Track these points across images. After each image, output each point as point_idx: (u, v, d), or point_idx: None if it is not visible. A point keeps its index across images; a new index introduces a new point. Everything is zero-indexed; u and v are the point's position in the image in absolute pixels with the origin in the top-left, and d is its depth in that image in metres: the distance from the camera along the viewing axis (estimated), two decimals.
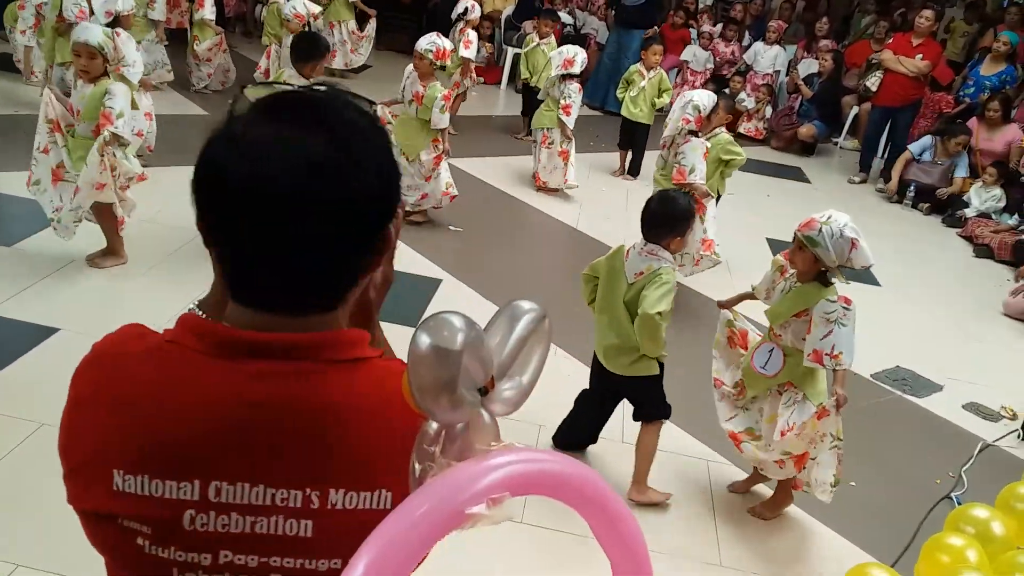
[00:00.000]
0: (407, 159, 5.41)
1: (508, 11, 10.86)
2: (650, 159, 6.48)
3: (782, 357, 3.08)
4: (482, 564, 2.70)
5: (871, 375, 4.51)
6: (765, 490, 3.37)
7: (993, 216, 7.32)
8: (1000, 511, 2.78)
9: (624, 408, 3.37)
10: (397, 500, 0.89)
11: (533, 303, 0.94)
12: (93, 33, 4.10)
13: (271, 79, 5.41)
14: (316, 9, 7.40)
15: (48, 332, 3.67)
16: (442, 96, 5.26)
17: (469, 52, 7.45)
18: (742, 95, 9.67)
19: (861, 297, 5.51)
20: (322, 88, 0.95)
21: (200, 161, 0.89)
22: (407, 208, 5.55)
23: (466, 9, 7.70)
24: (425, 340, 0.80)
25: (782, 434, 2.98)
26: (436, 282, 4.80)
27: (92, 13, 5.82)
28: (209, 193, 0.89)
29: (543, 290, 4.96)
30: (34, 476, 2.83)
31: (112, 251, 4.38)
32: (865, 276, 5.93)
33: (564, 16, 10.33)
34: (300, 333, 0.91)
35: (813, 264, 2.97)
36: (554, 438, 3.44)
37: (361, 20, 9.58)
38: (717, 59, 10.05)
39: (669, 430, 3.47)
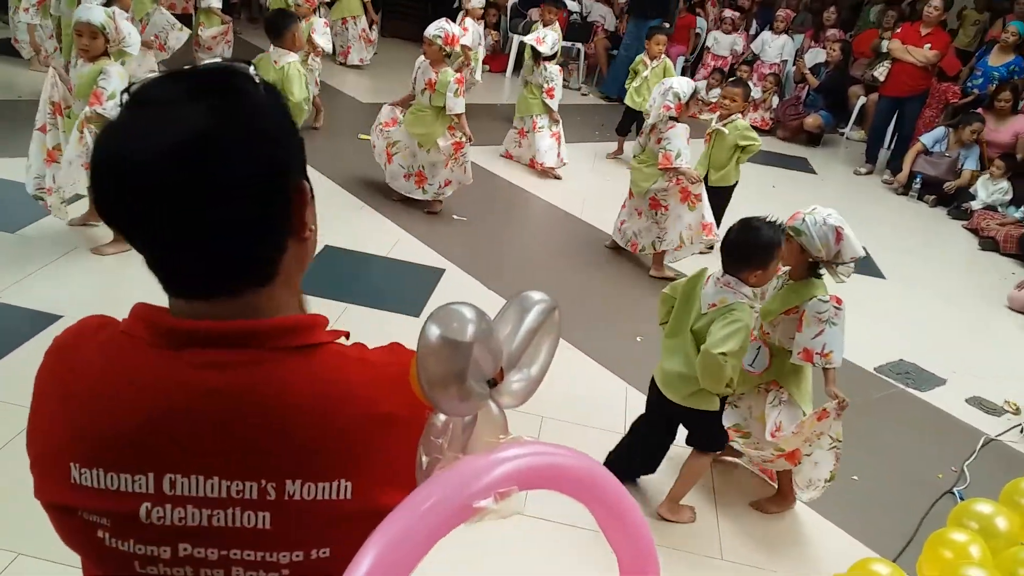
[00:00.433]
0: (424, 149, 5.38)
1: None
2: None
3: (768, 356, 3.09)
4: (488, 557, 2.69)
5: (875, 368, 4.49)
6: (766, 488, 3.37)
7: (999, 209, 7.29)
8: (1004, 506, 2.77)
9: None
10: (358, 491, 0.89)
11: (543, 294, 0.93)
12: (95, 13, 4.15)
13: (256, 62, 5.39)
14: None
15: (51, 319, 3.66)
16: (455, 80, 5.23)
17: (466, 39, 7.42)
18: (748, 84, 9.63)
19: (865, 289, 5.58)
20: (207, 62, 0.93)
21: (91, 165, 0.87)
22: (429, 197, 5.53)
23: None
24: (435, 331, 0.79)
25: (772, 435, 3.00)
26: (439, 272, 4.79)
27: None
28: (102, 193, 0.87)
29: (547, 279, 4.95)
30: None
31: (117, 237, 4.38)
32: (869, 268, 5.94)
33: (570, 3, 10.28)
34: (246, 320, 0.90)
35: (800, 255, 2.97)
36: (607, 464, 3.07)
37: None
38: (742, 44, 10.01)
39: None
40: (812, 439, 2.98)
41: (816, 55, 9.71)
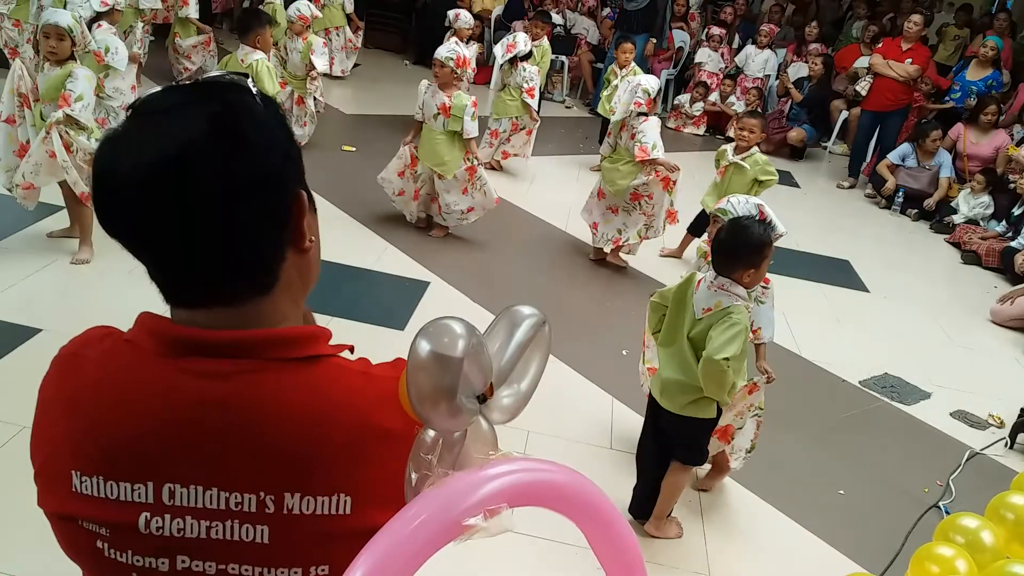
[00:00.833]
0: (441, 177, 5.25)
1: (498, 11, 10.85)
2: None
3: None
4: (477, 575, 2.67)
5: (859, 382, 4.51)
6: (736, 498, 3.36)
7: (981, 223, 7.36)
8: (989, 520, 2.77)
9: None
10: (358, 506, 0.89)
11: (533, 308, 0.92)
12: (63, 16, 4.16)
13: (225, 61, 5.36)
14: (319, 13, 7.42)
15: (31, 332, 3.62)
16: (471, 103, 5.16)
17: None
18: (731, 99, 9.69)
19: (849, 303, 5.61)
20: (207, 77, 0.93)
21: (92, 175, 0.88)
22: (451, 224, 5.47)
23: (449, 20, 7.76)
24: (425, 347, 0.78)
25: None
26: (424, 284, 4.78)
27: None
28: (100, 203, 0.87)
29: (532, 292, 4.94)
30: (14, 480, 2.79)
31: (85, 240, 4.37)
32: (853, 282, 5.98)
33: (555, 16, 10.33)
34: (247, 330, 0.90)
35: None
36: (632, 511, 3.10)
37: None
38: (728, 59, 10.09)
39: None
40: (744, 412, 3.11)
41: (799, 69, 9.79)
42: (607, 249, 5.39)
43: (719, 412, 2.93)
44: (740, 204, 3.24)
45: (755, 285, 2.88)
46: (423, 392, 0.79)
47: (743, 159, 5.16)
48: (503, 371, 0.87)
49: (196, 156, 0.83)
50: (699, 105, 9.79)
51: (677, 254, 5.80)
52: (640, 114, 5.02)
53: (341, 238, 5.17)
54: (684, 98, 9.86)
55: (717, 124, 9.88)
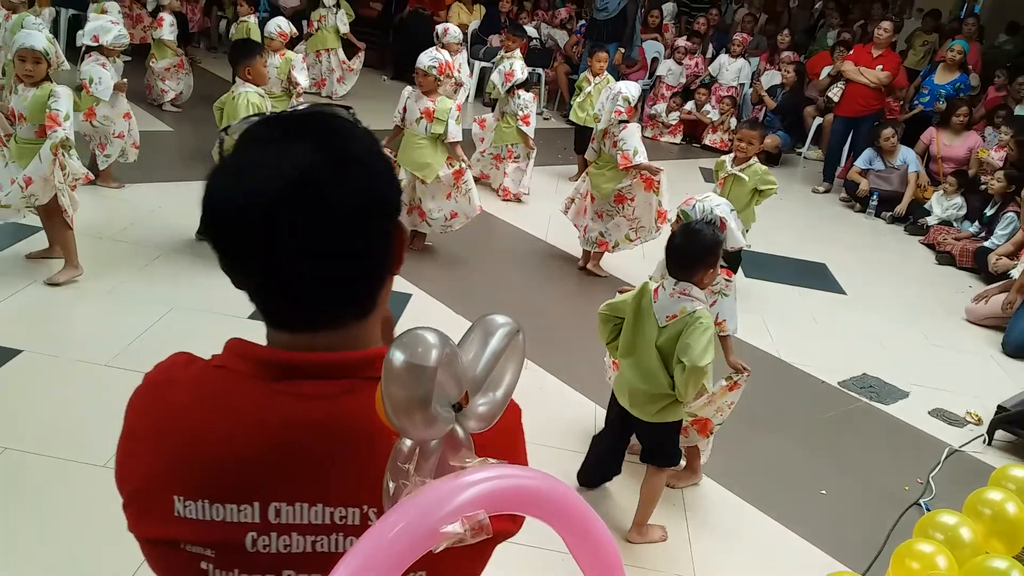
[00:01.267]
0: (423, 182, 5.24)
1: (475, 25, 10.90)
2: None
3: None
4: None
5: (838, 383, 4.55)
6: (720, 500, 3.39)
7: (954, 224, 7.46)
8: (968, 516, 2.81)
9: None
10: None
11: (507, 317, 0.93)
12: (38, 39, 4.15)
13: (221, 98, 5.29)
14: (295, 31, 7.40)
15: (11, 354, 3.59)
16: (455, 107, 5.19)
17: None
18: (707, 107, 9.78)
19: (826, 305, 5.67)
20: (303, 106, 0.97)
21: (204, 205, 0.91)
22: (438, 231, 5.46)
23: (437, 35, 7.78)
24: (399, 357, 0.80)
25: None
26: (406, 296, 4.78)
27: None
28: (218, 230, 0.90)
29: (514, 302, 4.96)
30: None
31: (69, 262, 4.30)
32: (830, 284, 6.04)
33: (530, 30, 10.40)
34: (349, 352, 0.93)
35: None
36: (580, 478, 3.24)
37: (348, 50, 9.55)
38: (688, 73, 10.17)
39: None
40: (724, 409, 3.20)
41: (772, 77, 9.90)
42: (593, 251, 5.46)
43: None
44: (702, 212, 3.20)
45: (709, 284, 2.95)
46: (398, 402, 0.80)
47: (742, 170, 5.14)
48: (478, 379, 0.88)
49: (318, 181, 0.87)
50: (675, 114, 9.87)
51: None
52: (621, 121, 5.09)
53: None
54: (660, 107, 9.94)
55: (693, 132, 9.96)
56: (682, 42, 10.20)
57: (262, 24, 7.43)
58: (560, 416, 3.77)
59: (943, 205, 7.59)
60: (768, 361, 4.61)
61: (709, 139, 9.73)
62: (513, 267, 5.71)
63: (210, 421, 0.92)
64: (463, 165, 5.30)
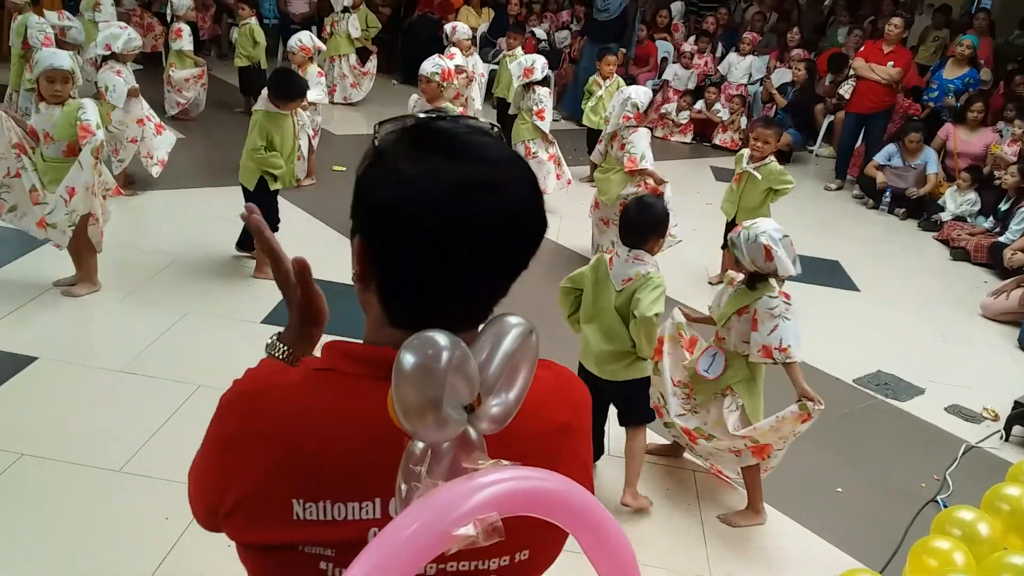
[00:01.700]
0: None
1: (483, 28, 10.90)
2: None
3: (724, 361, 3.20)
4: None
5: (853, 380, 4.53)
6: (738, 501, 3.37)
7: (968, 219, 7.40)
8: (985, 512, 2.79)
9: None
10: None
11: (520, 317, 0.93)
12: (64, 59, 4.17)
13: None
14: (321, 45, 7.40)
15: (27, 361, 3.62)
16: (459, 112, 5.23)
17: (458, 60, 7.46)
18: (717, 106, 9.74)
19: (840, 302, 5.64)
20: (446, 117, 0.99)
21: (371, 205, 0.95)
22: None
23: (446, 34, 7.79)
24: (410, 359, 0.80)
25: (743, 436, 3.08)
26: None
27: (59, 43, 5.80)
28: (388, 235, 0.92)
29: (522, 301, 4.90)
30: (14, 509, 2.79)
31: (87, 278, 4.30)
32: (844, 282, 6.01)
33: (539, 31, 10.39)
34: None
35: (736, 265, 3.22)
36: None
37: (362, 55, 9.55)
38: (697, 75, 10.14)
39: (652, 439, 3.49)
40: (788, 436, 3.09)
41: (782, 75, 9.85)
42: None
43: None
44: (747, 241, 3.05)
45: (659, 252, 3.18)
46: (409, 405, 0.80)
47: (756, 168, 5.12)
48: (490, 381, 0.88)
49: (531, 208, 0.95)
50: (685, 113, 9.85)
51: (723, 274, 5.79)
52: (629, 125, 5.08)
53: (332, 256, 5.15)
54: (671, 106, 9.91)
55: (704, 131, 9.93)
56: (687, 46, 10.17)
57: (279, 32, 7.39)
58: None
59: (957, 201, 7.54)
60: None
61: (719, 138, 9.71)
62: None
63: (325, 422, 0.92)
64: None
